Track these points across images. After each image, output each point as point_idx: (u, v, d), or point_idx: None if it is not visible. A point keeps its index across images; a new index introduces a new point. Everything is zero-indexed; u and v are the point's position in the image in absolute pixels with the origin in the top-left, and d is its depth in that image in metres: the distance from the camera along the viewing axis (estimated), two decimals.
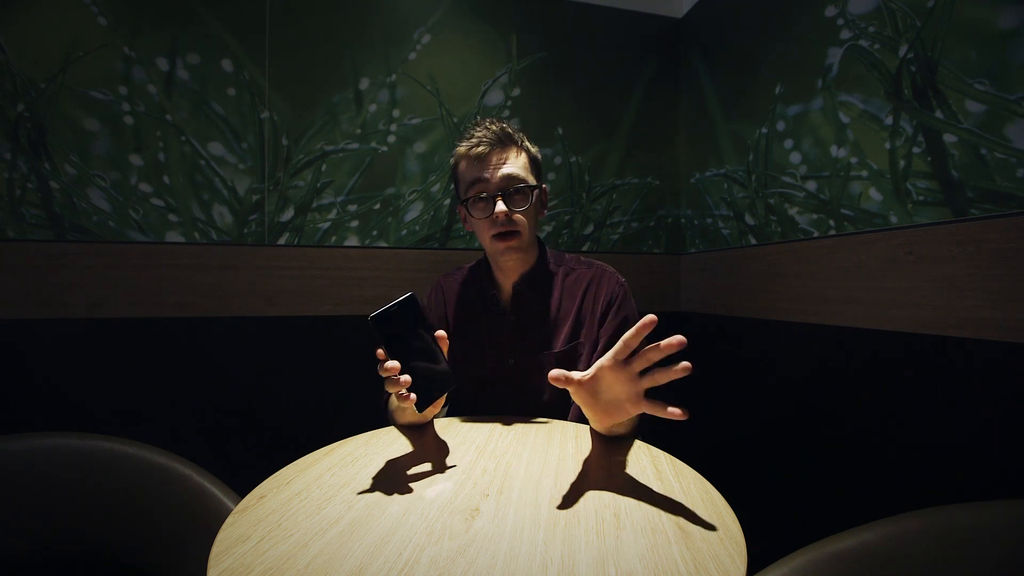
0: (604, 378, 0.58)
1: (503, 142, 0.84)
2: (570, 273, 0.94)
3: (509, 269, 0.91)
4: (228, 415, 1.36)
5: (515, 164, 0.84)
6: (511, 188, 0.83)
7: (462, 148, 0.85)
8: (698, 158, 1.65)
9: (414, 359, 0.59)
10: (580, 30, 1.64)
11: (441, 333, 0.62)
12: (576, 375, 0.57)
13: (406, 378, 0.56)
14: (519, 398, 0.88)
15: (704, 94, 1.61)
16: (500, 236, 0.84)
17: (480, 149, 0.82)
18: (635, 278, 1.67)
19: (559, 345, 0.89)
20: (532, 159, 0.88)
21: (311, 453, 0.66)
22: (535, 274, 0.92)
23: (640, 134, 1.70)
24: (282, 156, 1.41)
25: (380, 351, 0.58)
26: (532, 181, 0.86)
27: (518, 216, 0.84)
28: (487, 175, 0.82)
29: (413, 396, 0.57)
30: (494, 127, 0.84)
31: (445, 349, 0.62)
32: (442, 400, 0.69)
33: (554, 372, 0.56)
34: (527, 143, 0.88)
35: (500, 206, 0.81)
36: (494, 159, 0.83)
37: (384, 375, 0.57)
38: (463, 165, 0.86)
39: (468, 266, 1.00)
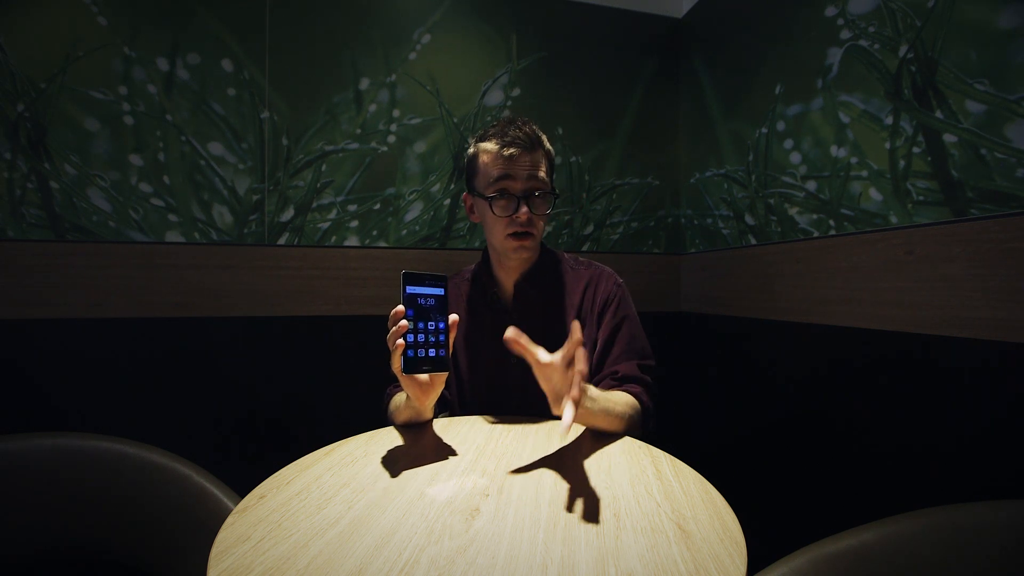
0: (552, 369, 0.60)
1: (533, 146, 0.85)
2: (569, 272, 0.95)
3: (512, 268, 0.92)
4: (228, 415, 1.36)
5: (541, 169, 0.86)
6: (535, 192, 0.84)
7: (490, 144, 0.85)
8: (698, 158, 1.65)
9: (421, 328, 0.64)
10: (580, 30, 1.64)
11: (454, 317, 0.66)
12: (542, 354, 0.61)
13: (403, 323, 0.61)
14: (520, 397, 0.88)
15: (704, 94, 1.61)
16: (515, 235, 0.85)
17: (512, 151, 0.83)
18: (635, 278, 1.68)
19: (561, 343, 0.89)
20: (551, 163, 0.89)
21: (311, 453, 0.66)
22: (536, 272, 0.93)
23: (640, 134, 1.70)
24: (282, 156, 1.41)
25: (399, 307, 0.62)
26: (552, 187, 0.88)
27: (536, 219, 0.86)
28: (517, 176, 0.84)
29: (400, 342, 0.61)
30: (527, 128, 0.85)
31: (453, 336, 0.67)
32: (437, 388, 0.70)
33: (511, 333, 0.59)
34: (547, 145, 0.89)
35: (525, 208, 0.83)
36: (523, 161, 0.84)
37: (393, 322, 0.62)
38: (488, 159, 0.86)
39: (468, 268, 1.01)
